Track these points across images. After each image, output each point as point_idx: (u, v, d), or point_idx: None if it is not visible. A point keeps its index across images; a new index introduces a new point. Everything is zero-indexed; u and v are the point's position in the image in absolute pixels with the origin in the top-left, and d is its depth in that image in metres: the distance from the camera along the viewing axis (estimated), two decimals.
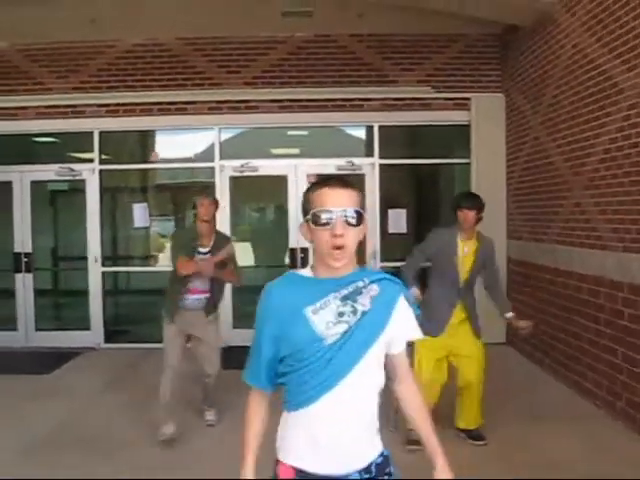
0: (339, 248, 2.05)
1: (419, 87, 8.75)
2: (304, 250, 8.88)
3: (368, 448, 2.13)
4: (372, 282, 2.15)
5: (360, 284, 2.13)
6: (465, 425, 5.26)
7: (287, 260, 9.06)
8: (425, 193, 9.95)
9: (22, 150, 9.46)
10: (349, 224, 2.06)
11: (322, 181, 2.15)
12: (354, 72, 8.77)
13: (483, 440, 5.15)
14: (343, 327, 2.06)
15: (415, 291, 4.95)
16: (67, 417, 5.96)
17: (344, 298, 2.09)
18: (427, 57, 8.78)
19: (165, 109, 8.78)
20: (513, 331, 7.97)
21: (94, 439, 5.33)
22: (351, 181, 2.17)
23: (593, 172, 6.10)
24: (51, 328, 9.28)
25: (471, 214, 4.97)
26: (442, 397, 5.14)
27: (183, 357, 5.49)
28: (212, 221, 5.55)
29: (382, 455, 2.16)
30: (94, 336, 9.01)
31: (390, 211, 8.99)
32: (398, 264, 8.54)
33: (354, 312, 2.08)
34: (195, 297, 5.48)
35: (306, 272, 2.22)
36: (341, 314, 2.08)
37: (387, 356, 2.23)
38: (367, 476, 2.09)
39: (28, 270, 9.06)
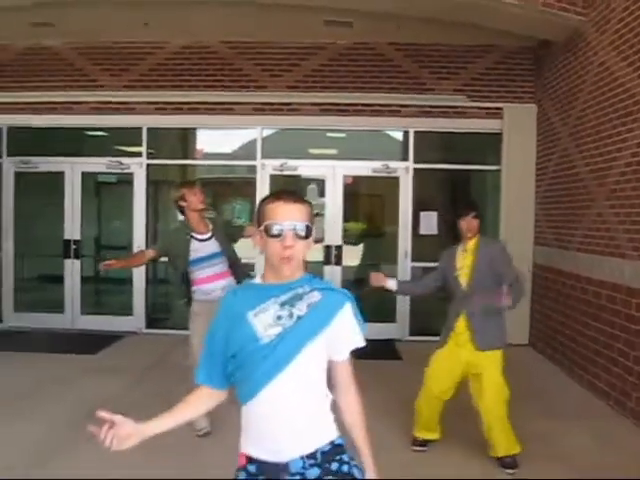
0: (288, 258, 2.22)
1: (454, 95, 9.06)
2: (338, 247, 9.27)
3: (312, 436, 2.25)
4: (314, 290, 2.30)
5: (300, 291, 2.29)
6: (493, 453, 4.90)
7: (322, 257, 9.40)
8: (457, 197, 10.25)
9: (74, 142, 9.95)
10: (298, 236, 2.23)
11: (275, 195, 2.32)
12: (392, 79, 9.11)
13: (513, 468, 4.79)
14: (278, 329, 2.21)
15: (387, 281, 5.04)
16: (115, 392, 6.43)
17: (283, 303, 2.25)
18: (463, 67, 9.10)
19: (210, 108, 9.19)
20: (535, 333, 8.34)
21: (140, 411, 5.73)
22: (301, 195, 2.36)
23: (614, 184, 6.41)
24: (96, 312, 9.79)
25: (474, 222, 4.95)
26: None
27: None
28: (199, 211, 5.46)
29: (332, 443, 2.28)
30: (136, 321, 9.49)
31: (422, 213, 9.31)
32: (428, 264, 9.05)
33: (290, 316, 2.23)
34: (220, 284, 5.37)
35: (257, 280, 2.40)
36: (279, 317, 2.23)
37: (330, 363, 2.36)
38: (311, 462, 2.21)
39: (76, 256, 9.57)
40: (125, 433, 2.21)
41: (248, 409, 2.26)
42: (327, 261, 9.30)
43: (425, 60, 9.12)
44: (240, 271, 5.60)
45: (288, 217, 2.23)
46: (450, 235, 9.59)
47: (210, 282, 5.37)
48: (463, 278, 4.91)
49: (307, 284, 2.32)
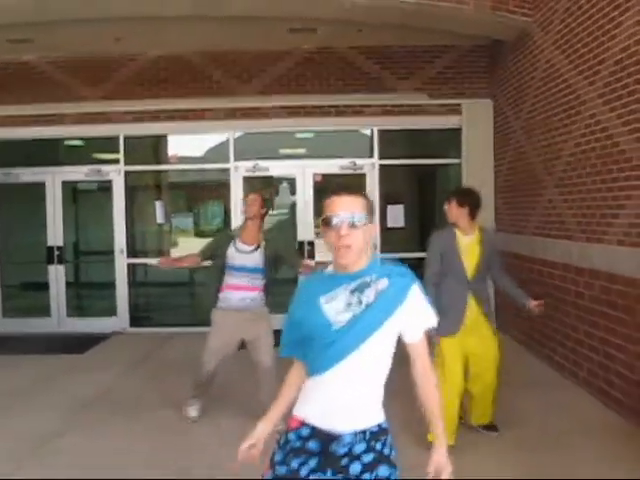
0: (345, 247, 2.35)
1: (415, 94, 9.57)
2: (310, 243, 9.74)
3: (366, 416, 2.42)
4: (382, 276, 2.41)
5: (368, 279, 2.40)
6: (476, 421, 5.25)
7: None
8: (421, 191, 10.79)
9: (53, 153, 10.37)
10: (353, 226, 2.35)
11: (332, 191, 2.47)
12: (355, 81, 9.59)
13: (496, 430, 5.19)
14: (349, 315, 2.36)
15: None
16: (103, 387, 6.85)
17: (353, 291, 2.39)
18: (422, 67, 9.60)
19: (184, 116, 9.63)
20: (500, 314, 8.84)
21: (127, 404, 6.18)
22: (356, 190, 2.50)
23: (562, 172, 6.95)
24: (81, 314, 10.19)
25: (454, 209, 4.98)
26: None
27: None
28: (257, 219, 5.40)
29: (379, 426, 2.44)
30: (120, 321, 9.89)
31: (389, 207, 9.82)
32: (396, 255, 9.52)
33: (359, 303, 2.36)
34: (239, 295, 5.40)
35: (329, 269, 2.53)
36: (349, 304, 2.37)
37: (407, 345, 2.50)
38: (361, 437, 2.38)
39: (60, 262, 9.95)
40: (256, 448, 2.53)
41: (314, 381, 2.44)
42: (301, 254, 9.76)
43: (386, 62, 9.61)
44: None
45: (342, 208, 2.37)
46: (416, 226, 10.23)
47: (233, 290, 5.37)
48: (468, 266, 4.93)
49: (374, 271, 2.42)
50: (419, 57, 9.60)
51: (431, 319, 2.49)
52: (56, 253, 9.92)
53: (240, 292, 5.36)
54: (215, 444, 5.05)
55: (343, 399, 2.38)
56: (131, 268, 10.06)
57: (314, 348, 2.41)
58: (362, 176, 9.81)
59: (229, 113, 9.64)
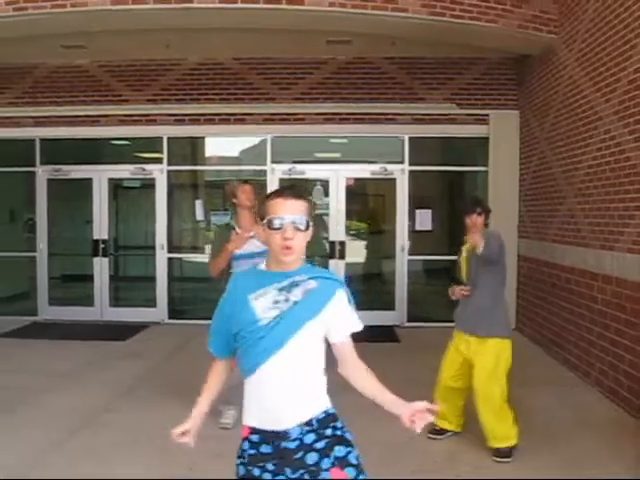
0: (288, 248, 2.43)
1: (444, 104, 9.99)
2: (342, 243, 10.23)
3: (307, 406, 2.47)
4: (311, 278, 2.50)
5: (297, 278, 2.48)
6: (489, 444, 4.94)
7: (328, 251, 10.32)
8: (449, 196, 11.23)
9: (101, 152, 10.99)
10: (297, 229, 2.44)
11: (276, 192, 2.57)
12: (388, 90, 10.05)
13: (504, 457, 4.84)
14: (275, 312, 2.43)
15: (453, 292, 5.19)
16: (146, 371, 7.40)
17: (281, 289, 2.46)
18: (452, 78, 10.03)
19: (224, 119, 10.15)
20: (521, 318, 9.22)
21: (168, 386, 6.70)
22: (301, 192, 2.57)
23: (580, 183, 7.35)
24: (122, 305, 10.77)
25: (479, 219, 5.10)
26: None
27: None
28: (253, 208, 5.43)
29: (326, 412, 2.51)
30: (159, 313, 10.46)
31: (417, 211, 10.24)
32: (424, 257, 9.95)
33: (287, 301, 2.44)
34: None
35: (262, 266, 2.61)
36: (276, 302, 2.44)
37: (332, 346, 2.57)
38: (307, 428, 2.45)
39: (104, 255, 10.54)
40: (190, 433, 2.62)
41: (249, 383, 2.49)
42: (332, 255, 10.24)
43: (417, 72, 10.05)
44: None
45: (288, 211, 2.43)
46: (443, 230, 10.65)
47: None
48: (464, 271, 5.20)
49: (305, 273, 2.52)
50: (449, 68, 10.02)
51: (356, 324, 2.57)
52: (101, 246, 10.50)
53: None
54: None
55: (281, 393, 2.42)
56: (171, 262, 10.61)
57: (244, 345, 2.47)
58: (392, 181, 10.25)
59: (267, 118, 10.13)
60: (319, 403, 2.52)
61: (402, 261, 10.20)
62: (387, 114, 10.06)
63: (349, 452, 2.48)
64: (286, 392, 2.42)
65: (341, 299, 2.55)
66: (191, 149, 11.32)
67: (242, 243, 5.39)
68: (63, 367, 7.48)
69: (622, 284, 6.17)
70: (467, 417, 5.32)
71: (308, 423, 2.45)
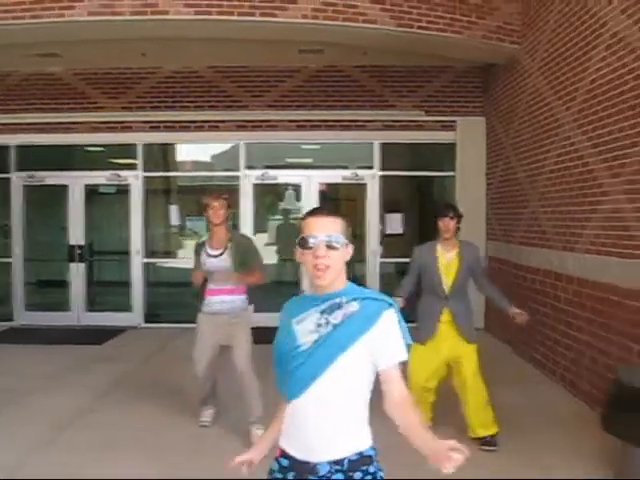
0: (321, 269, 2.30)
1: (413, 111, 10.29)
2: None
3: (342, 444, 2.30)
4: (354, 300, 2.32)
5: (338, 300, 2.33)
6: (474, 434, 5.26)
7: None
8: (418, 200, 11.52)
9: (76, 158, 11.14)
10: (330, 247, 2.30)
11: (309, 212, 2.44)
12: (358, 97, 10.31)
13: (493, 445, 5.19)
14: (315, 336, 2.30)
15: (398, 300, 5.05)
16: (124, 374, 7.57)
17: (322, 312, 2.32)
18: (420, 85, 10.33)
19: (199, 126, 10.36)
20: (489, 317, 9.50)
21: (147, 387, 6.90)
22: (335, 210, 2.44)
23: (543, 187, 7.66)
24: (99, 309, 10.88)
25: (452, 223, 5.24)
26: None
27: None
28: (224, 223, 5.47)
29: (360, 454, 2.31)
30: (135, 317, 10.62)
31: (387, 215, 10.54)
32: (395, 260, 10.20)
33: (327, 324, 2.29)
34: (218, 299, 5.48)
35: (307, 291, 2.56)
36: (318, 325, 2.31)
37: (378, 373, 2.33)
38: (337, 468, 2.27)
39: (81, 260, 10.67)
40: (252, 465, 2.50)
41: (290, 407, 2.36)
42: None
43: (387, 80, 10.34)
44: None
45: (319, 230, 2.32)
46: (414, 234, 10.93)
47: (212, 295, 5.46)
48: (447, 280, 5.23)
49: (348, 294, 2.36)
50: (418, 77, 10.32)
51: (402, 353, 2.33)
52: (77, 252, 10.64)
53: (218, 296, 5.44)
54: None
55: (316, 426, 2.30)
56: (146, 267, 10.77)
57: (286, 371, 2.35)
58: (363, 186, 10.52)
59: (240, 125, 10.35)
60: (355, 441, 2.33)
61: (374, 264, 10.46)
62: (358, 121, 10.33)
63: None
64: (321, 427, 2.29)
65: (388, 322, 2.32)
66: (166, 155, 11.48)
67: (199, 281, 5.50)
68: (43, 371, 7.62)
69: (583, 283, 6.48)
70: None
71: (339, 462, 2.28)
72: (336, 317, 2.30)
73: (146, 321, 10.63)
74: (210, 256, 5.42)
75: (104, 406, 6.35)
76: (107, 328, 10.17)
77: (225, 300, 5.44)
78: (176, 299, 11.31)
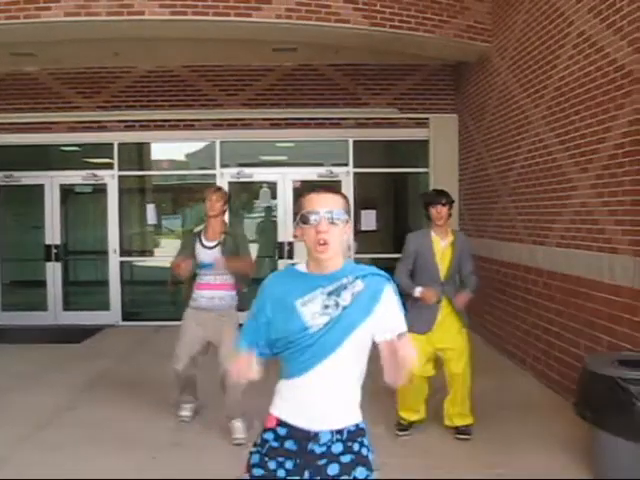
0: (323, 244, 2.31)
1: (387, 108, 10.45)
2: (290, 244, 10.58)
3: (343, 416, 2.41)
4: (357, 278, 2.38)
5: (344, 281, 2.36)
6: (450, 423, 5.37)
7: (276, 252, 10.73)
8: (393, 197, 11.70)
9: (52, 158, 11.16)
10: (332, 223, 2.32)
11: (311, 189, 2.44)
12: (332, 96, 10.46)
13: (468, 435, 5.28)
14: (325, 319, 2.33)
15: (421, 290, 5.06)
16: (102, 371, 7.62)
17: (329, 293, 2.35)
18: (393, 83, 10.49)
19: (174, 125, 10.43)
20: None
21: (126, 384, 6.95)
22: (336, 188, 2.50)
23: (514, 182, 7.85)
24: (76, 308, 10.89)
25: (444, 210, 5.16)
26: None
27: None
28: (220, 215, 5.47)
29: (357, 425, 2.43)
30: (113, 315, 10.66)
31: (362, 212, 10.68)
32: (370, 255, 10.35)
33: (336, 306, 2.33)
34: (208, 294, 5.44)
35: (302, 267, 2.48)
36: (326, 307, 2.34)
37: (378, 344, 2.34)
38: (338, 437, 2.38)
39: (57, 259, 10.70)
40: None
41: (290, 382, 2.42)
42: (280, 256, 10.60)
43: (361, 78, 10.48)
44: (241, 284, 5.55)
45: (321, 205, 2.34)
46: (388, 230, 11.10)
47: (202, 289, 5.43)
48: (443, 268, 5.18)
49: (350, 273, 2.39)
50: (391, 75, 10.47)
51: (402, 325, 2.38)
52: (54, 251, 10.66)
53: (208, 291, 5.41)
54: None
55: (320, 401, 2.37)
56: (123, 266, 10.83)
57: (290, 351, 2.37)
58: (338, 183, 10.64)
59: (216, 123, 10.44)
60: (354, 414, 2.45)
61: (349, 260, 10.56)
62: (332, 119, 10.48)
63: (368, 476, 2.41)
64: (325, 398, 2.37)
65: (389, 296, 2.42)
66: (141, 154, 11.54)
67: (185, 271, 5.34)
68: (22, 369, 7.64)
69: (552, 276, 6.66)
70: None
71: (340, 432, 2.38)
72: (345, 299, 2.34)
73: (124, 319, 10.67)
74: (205, 247, 5.41)
75: (84, 403, 6.40)
76: (85, 327, 10.17)
77: (215, 295, 5.41)
78: (153, 297, 11.40)
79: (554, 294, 6.60)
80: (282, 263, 10.52)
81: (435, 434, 5.44)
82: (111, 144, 10.57)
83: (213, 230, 5.46)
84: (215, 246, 5.39)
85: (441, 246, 5.21)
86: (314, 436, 2.36)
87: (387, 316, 2.37)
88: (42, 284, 10.76)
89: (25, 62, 9.98)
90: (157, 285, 11.47)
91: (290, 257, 10.58)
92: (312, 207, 2.35)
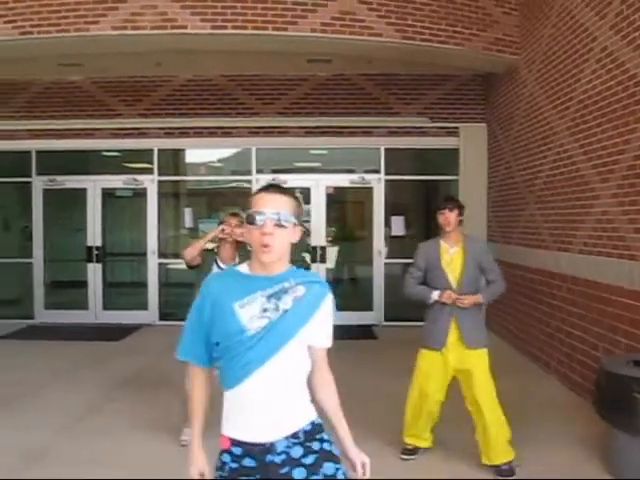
0: (267, 246, 2.25)
1: (418, 117, 10.74)
2: (322, 248, 10.91)
3: (293, 418, 2.35)
4: (299, 284, 2.36)
5: (286, 285, 2.33)
6: (488, 461, 4.78)
7: (309, 257, 11.03)
8: (422, 204, 11.95)
9: (94, 163, 11.63)
10: (279, 225, 2.26)
11: (261, 188, 2.39)
12: (365, 105, 10.76)
13: (510, 475, 4.71)
14: (264, 322, 2.28)
15: (439, 293, 4.80)
16: (141, 367, 8.03)
17: (270, 296, 2.30)
18: (424, 93, 10.78)
19: (213, 132, 10.82)
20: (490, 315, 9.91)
21: (162, 378, 7.20)
22: (287, 189, 2.40)
23: (540, 191, 8.09)
24: (115, 308, 11.33)
25: (452, 215, 4.88)
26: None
27: None
28: (234, 242, 5.31)
29: (312, 423, 2.39)
30: (151, 315, 11.08)
31: (393, 217, 11.00)
32: (400, 260, 10.61)
33: (276, 309, 2.29)
34: None
35: (243, 268, 2.43)
36: (265, 310, 2.29)
37: (310, 348, 2.43)
38: (294, 441, 2.32)
39: (98, 261, 11.16)
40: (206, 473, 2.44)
41: (233, 394, 2.35)
42: (313, 260, 10.92)
43: (392, 88, 10.79)
44: None
45: (269, 206, 2.27)
46: (419, 235, 11.36)
47: None
48: (452, 277, 4.85)
49: (292, 277, 2.37)
50: (422, 85, 10.77)
51: (328, 340, 2.47)
52: (95, 252, 11.11)
53: None
54: None
55: (265, 408, 2.30)
56: (161, 268, 11.23)
57: (229, 356, 2.32)
58: (370, 189, 10.97)
59: (252, 131, 10.82)
60: (305, 414, 2.41)
61: (379, 264, 10.91)
62: (364, 127, 10.78)
63: (337, 469, 2.40)
64: (272, 404, 2.31)
65: (328, 305, 2.44)
66: (180, 160, 11.93)
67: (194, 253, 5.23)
68: (64, 365, 8.07)
69: (575, 282, 6.90)
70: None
71: (294, 435, 2.33)
72: (286, 302, 2.31)
73: (160, 319, 11.05)
74: (220, 269, 5.24)
75: (123, 395, 6.81)
76: (123, 326, 10.61)
77: None
78: (188, 298, 11.69)
79: (577, 299, 6.84)
80: (315, 267, 10.84)
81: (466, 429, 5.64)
82: (151, 150, 10.99)
83: (228, 254, 5.32)
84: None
85: (449, 254, 4.92)
86: (270, 447, 2.30)
87: (323, 323, 2.41)
88: (83, 284, 11.21)
89: (71, 71, 10.43)
90: (193, 287, 11.80)
91: (322, 261, 10.90)
92: (258, 207, 2.29)
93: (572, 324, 6.97)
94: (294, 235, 2.35)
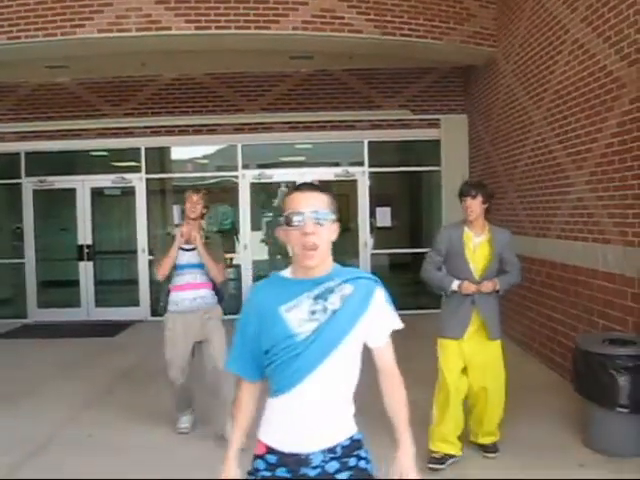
0: (310, 248, 2.16)
1: (399, 110, 10.97)
2: None
3: (335, 431, 2.24)
4: (345, 282, 2.24)
5: (331, 284, 2.22)
6: (476, 439, 4.96)
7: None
8: (406, 195, 12.19)
9: (83, 163, 11.78)
10: (319, 224, 2.16)
11: (294, 187, 2.28)
12: (347, 99, 10.99)
13: (494, 452, 4.86)
14: (314, 325, 2.17)
15: (459, 283, 4.59)
16: (135, 361, 8.22)
17: (316, 297, 2.20)
18: (405, 86, 11.01)
19: (198, 130, 11.02)
20: None
21: (157, 372, 7.27)
22: (322, 186, 2.31)
23: (519, 180, 8.34)
24: (107, 305, 11.50)
25: (475, 203, 4.62)
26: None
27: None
28: (199, 218, 5.30)
29: (351, 439, 2.27)
30: (142, 311, 11.24)
31: (377, 209, 11.20)
32: (385, 250, 10.82)
33: (324, 310, 2.18)
34: (190, 295, 5.23)
35: (286, 273, 2.32)
36: (313, 312, 2.18)
37: (371, 350, 2.34)
38: (331, 455, 2.21)
39: (89, 259, 11.32)
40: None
41: (278, 401, 2.25)
42: None
43: (374, 82, 11.01)
44: (223, 290, 5.47)
45: (305, 205, 2.18)
46: (403, 226, 11.60)
47: (181, 290, 5.22)
48: (475, 268, 4.64)
49: (337, 276, 2.26)
50: (403, 78, 11.00)
51: (395, 323, 2.36)
52: (85, 251, 11.28)
53: (189, 291, 5.20)
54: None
55: (311, 416, 2.21)
56: (151, 264, 11.34)
57: (277, 363, 2.21)
58: (354, 182, 11.18)
59: (237, 127, 11.01)
60: (346, 427, 2.29)
61: (365, 256, 11.12)
62: (347, 121, 10.99)
63: None
64: (318, 414, 2.21)
65: (380, 299, 2.31)
66: (167, 158, 12.11)
67: (188, 232, 5.17)
68: (60, 361, 8.24)
69: (553, 266, 7.16)
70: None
71: (332, 450, 2.22)
72: (333, 302, 2.20)
73: (152, 315, 11.12)
74: (183, 250, 5.22)
75: (121, 387, 7.05)
76: (116, 322, 10.77)
77: (197, 295, 5.22)
78: None
79: (555, 283, 7.10)
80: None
81: None
82: (138, 149, 11.15)
83: (190, 232, 5.21)
84: (193, 249, 5.19)
85: (474, 242, 4.66)
86: (305, 459, 2.20)
87: (378, 320, 2.29)
88: (75, 282, 11.38)
89: (58, 73, 10.57)
90: None
91: None
92: (295, 207, 2.19)
93: (552, 307, 7.22)
94: (333, 232, 2.27)
